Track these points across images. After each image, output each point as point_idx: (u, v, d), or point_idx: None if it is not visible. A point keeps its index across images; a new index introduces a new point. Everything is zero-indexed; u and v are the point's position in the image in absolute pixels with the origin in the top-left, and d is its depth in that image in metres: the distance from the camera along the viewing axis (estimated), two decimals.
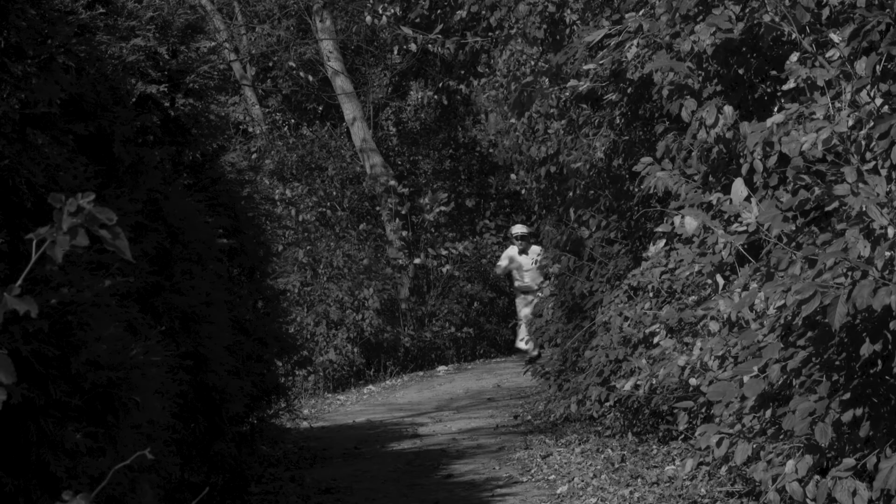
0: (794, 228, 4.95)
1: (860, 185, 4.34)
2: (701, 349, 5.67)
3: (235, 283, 7.22)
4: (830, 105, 4.82)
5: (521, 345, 14.27)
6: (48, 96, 4.09)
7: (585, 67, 7.29)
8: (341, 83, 17.18)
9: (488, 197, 18.91)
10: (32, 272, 2.09)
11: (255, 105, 18.10)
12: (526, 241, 14.18)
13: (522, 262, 14.15)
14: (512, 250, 14.40)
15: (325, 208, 16.54)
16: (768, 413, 4.79)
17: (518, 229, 14.43)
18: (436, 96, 18.43)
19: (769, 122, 5.02)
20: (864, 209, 4.18)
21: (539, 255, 14.05)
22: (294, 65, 18.10)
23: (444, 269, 16.83)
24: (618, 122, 7.95)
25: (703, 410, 5.96)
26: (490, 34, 12.64)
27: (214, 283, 6.07)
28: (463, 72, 17.34)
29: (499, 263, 14.72)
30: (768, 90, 5.95)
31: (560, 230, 9.56)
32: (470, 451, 8.28)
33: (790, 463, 4.48)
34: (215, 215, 6.57)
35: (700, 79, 5.91)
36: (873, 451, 4.33)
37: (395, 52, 18.25)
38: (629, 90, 7.09)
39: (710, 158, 5.95)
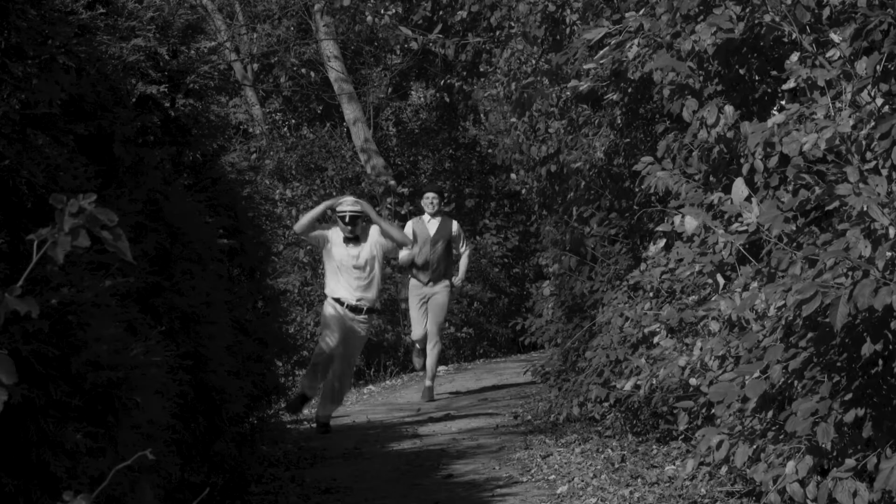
0: (794, 228, 4.95)
1: (861, 185, 4.34)
2: (701, 349, 5.68)
3: (235, 283, 7.22)
4: (831, 105, 4.82)
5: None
6: (49, 97, 4.09)
7: (586, 67, 7.29)
8: (342, 84, 17.18)
9: (488, 197, 18.91)
10: (32, 272, 2.09)
11: (256, 105, 18.11)
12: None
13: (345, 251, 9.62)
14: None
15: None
16: (769, 414, 4.79)
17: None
18: (437, 94, 18.44)
19: (770, 122, 5.03)
20: (865, 209, 4.18)
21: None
22: (296, 62, 18.10)
23: None
24: (618, 121, 7.96)
25: (704, 410, 5.96)
26: (490, 34, 12.65)
27: (215, 284, 6.06)
28: (465, 73, 17.34)
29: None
30: (769, 90, 5.95)
31: (561, 229, 9.57)
32: (470, 452, 8.28)
33: (790, 464, 4.48)
34: (215, 215, 6.56)
35: (701, 78, 5.91)
36: (874, 452, 4.33)
37: (397, 52, 18.26)
38: (629, 90, 7.09)
39: (711, 158, 5.95)
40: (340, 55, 17.34)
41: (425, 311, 11.22)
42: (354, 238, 9.45)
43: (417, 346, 11.49)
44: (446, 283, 11.24)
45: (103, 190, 4.74)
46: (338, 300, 9.42)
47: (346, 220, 9.37)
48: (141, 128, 5.50)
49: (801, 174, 4.83)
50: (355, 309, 9.42)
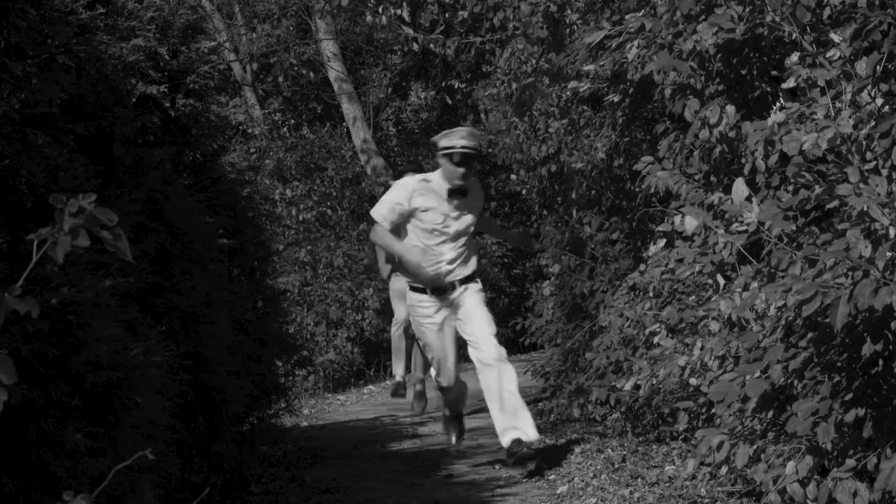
0: (794, 228, 4.95)
1: (861, 185, 4.34)
2: (701, 349, 5.67)
3: (235, 283, 7.22)
4: (831, 105, 4.82)
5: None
6: (48, 96, 4.09)
7: (586, 68, 7.29)
8: (341, 83, 17.18)
9: (488, 197, 18.91)
10: (32, 272, 2.09)
11: (255, 105, 18.11)
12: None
13: (448, 210, 6.72)
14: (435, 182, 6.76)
15: (325, 207, 16.54)
16: (769, 414, 4.78)
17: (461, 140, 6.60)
18: (437, 95, 18.44)
19: (770, 121, 5.03)
20: (865, 209, 4.18)
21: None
22: (296, 62, 18.11)
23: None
24: (619, 122, 7.96)
25: (704, 411, 5.95)
26: (493, 34, 12.66)
27: (215, 284, 6.06)
28: (468, 74, 17.35)
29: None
30: (769, 90, 5.95)
31: (561, 230, 9.57)
32: (470, 452, 8.28)
33: (791, 464, 4.48)
34: (215, 215, 6.57)
35: (703, 78, 5.91)
36: (874, 452, 4.32)
37: (397, 52, 18.26)
38: (630, 91, 7.09)
39: (713, 158, 5.95)
40: (340, 55, 17.34)
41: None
42: (462, 190, 6.53)
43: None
44: None
45: (103, 190, 4.74)
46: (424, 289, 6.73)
47: (457, 159, 6.48)
48: (141, 128, 5.50)
49: (801, 173, 4.83)
50: (446, 289, 6.71)
